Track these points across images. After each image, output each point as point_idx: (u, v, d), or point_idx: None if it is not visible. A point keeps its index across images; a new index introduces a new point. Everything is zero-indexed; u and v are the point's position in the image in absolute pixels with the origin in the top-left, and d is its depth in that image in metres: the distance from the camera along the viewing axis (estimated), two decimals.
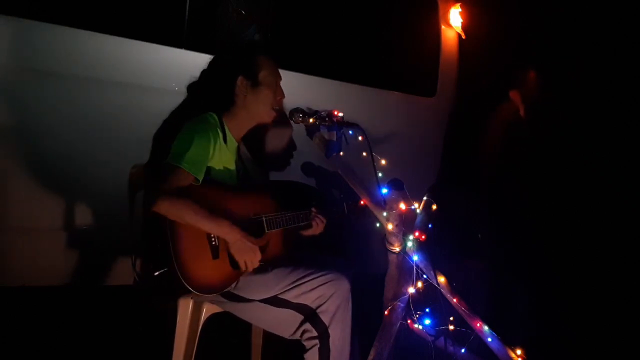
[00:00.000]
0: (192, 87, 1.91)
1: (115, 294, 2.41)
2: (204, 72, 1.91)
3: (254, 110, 1.87)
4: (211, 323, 1.83)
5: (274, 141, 2.09)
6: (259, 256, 1.75)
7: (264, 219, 1.83)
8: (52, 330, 2.34)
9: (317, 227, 1.97)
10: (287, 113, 1.96)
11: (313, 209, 1.98)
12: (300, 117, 1.93)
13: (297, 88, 2.75)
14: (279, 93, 1.89)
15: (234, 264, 1.73)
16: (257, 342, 2.17)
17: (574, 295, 3.13)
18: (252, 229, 1.79)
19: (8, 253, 2.27)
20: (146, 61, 2.47)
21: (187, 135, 1.73)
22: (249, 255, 1.73)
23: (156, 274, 1.65)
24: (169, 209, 1.62)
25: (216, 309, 1.82)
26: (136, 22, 2.45)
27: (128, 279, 1.94)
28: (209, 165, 1.76)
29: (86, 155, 2.37)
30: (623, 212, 3.82)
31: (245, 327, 2.10)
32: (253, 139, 2.00)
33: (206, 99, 1.86)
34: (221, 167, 1.82)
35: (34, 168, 2.29)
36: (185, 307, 1.78)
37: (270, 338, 1.87)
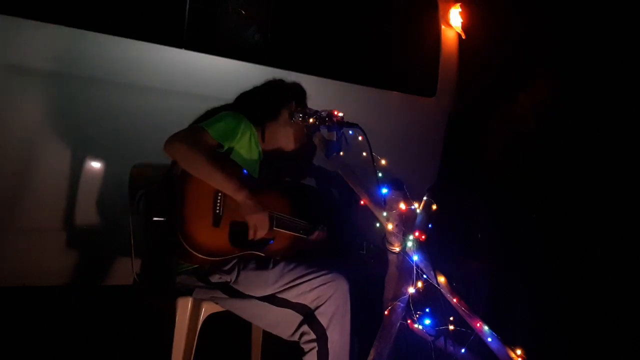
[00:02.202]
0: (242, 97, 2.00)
1: (115, 294, 2.41)
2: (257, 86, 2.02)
3: (286, 133, 1.95)
4: (210, 323, 1.83)
5: (292, 161, 2.12)
6: (267, 224, 1.76)
7: (275, 215, 1.84)
8: (52, 330, 2.34)
9: (317, 241, 2.00)
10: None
11: (323, 227, 2.01)
12: (300, 117, 1.93)
13: None
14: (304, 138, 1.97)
15: (232, 238, 1.73)
16: (256, 341, 2.17)
17: (574, 295, 3.13)
18: None
19: (8, 253, 2.27)
20: (146, 61, 2.48)
21: (218, 115, 1.81)
22: (259, 218, 1.74)
23: (155, 219, 1.67)
24: (184, 152, 1.64)
25: (215, 308, 1.82)
26: (136, 22, 2.45)
27: (128, 279, 1.94)
28: (233, 147, 1.81)
29: (86, 155, 2.37)
30: (624, 213, 3.82)
31: (245, 327, 2.10)
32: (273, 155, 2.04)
33: (252, 108, 1.93)
34: (244, 155, 1.86)
35: (34, 168, 2.29)
36: (184, 306, 1.78)
37: (270, 338, 1.87)
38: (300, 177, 2.26)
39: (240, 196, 1.71)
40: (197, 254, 1.66)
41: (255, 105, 1.95)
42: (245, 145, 1.86)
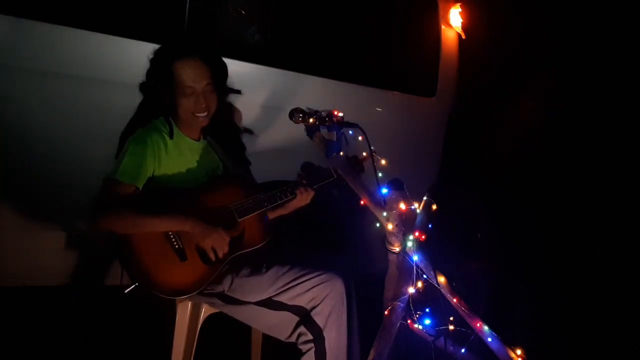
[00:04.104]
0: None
1: (115, 294, 2.40)
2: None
3: (181, 116, 1.83)
4: (210, 323, 1.83)
5: (227, 138, 2.03)
6: (226, 238, 1.70)
7: (232, 208, 1.79)
8: (52, 330, 2.34)
9: (303, 197, 1.91)
10: (288, 114, 1.96)
11: (300, 174, 1.94)
12: (300, 117, 1.92)
13: (297, 88, 2.75)
14: (195, 99, 1.78)
15: (205, 260, 1.70)
16: (256, 342, 2.17)
17: (574, 295, 3.13)
18: (222, 221, 1.75)
19: (8, 253, 2.27)
20: (146, 61, 2.47)
21: (125, 147, 1.74)
22: (213, 239, 1.68)
23: (126, 291, 1.63)
24: (109, 222, 1.63)
25: (215, 309, 1.82)
26: (136, 22, 2.44)
27: (128, 279, 1.94)
28: (155, 174, 1.74)
29: (86, 155, 2.36)
30: (624, 213, 3.82)
31: (245, 327, 2.10)
32: (220, 134, 1.94)
33: (148, 106, 1.85)
34: (177, 169, 1.80)
35: (34, 168, 2.29)
36: (184, 307, 1.78)
37: (270, 338, 1.87)
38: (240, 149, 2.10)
39: (187, 226, 1.67)
40: (183, 296, 1.65)
41: (152, 102, 1.83)
42: (166, 157, 1.77)
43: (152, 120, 1.83)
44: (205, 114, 1.81)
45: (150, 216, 1.65)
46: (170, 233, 1.68)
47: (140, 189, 1.70)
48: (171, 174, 1.79)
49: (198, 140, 1.90)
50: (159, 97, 1.80)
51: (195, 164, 1.86)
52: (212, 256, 1.69)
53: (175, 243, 1.68)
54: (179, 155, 1.82)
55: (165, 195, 1.74)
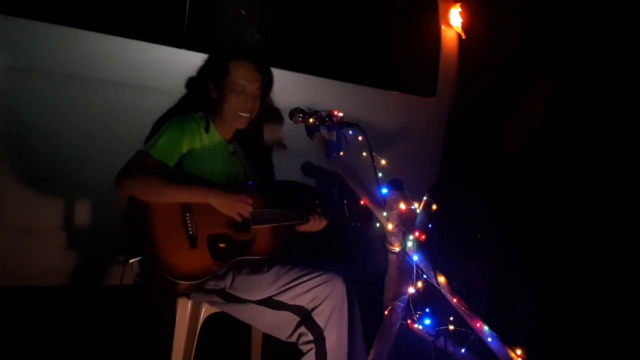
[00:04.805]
0: (186, 87, 1.97)
1: (115, 294, 2.40)
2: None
3: (223, 113, 1.89)
4: (211, 323, 1.83)
5: (262, 145, 2.08)
6: (249, 202, 1.75)
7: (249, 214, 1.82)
8: (52, 330, 2.33)
9: (315, 223, 1.96)
10: (288, 114, 1.96)
11: (316, 202, 1.98)
12: (300, 117, 1.92)
13: (297, 88, 2.75)
14: (244, 99, 1.86)
15: (214, 253, 1.71)
16: (257, 341, 2.17)
17: (574, 295, 3.13)
18: (237, 225, 1.78)
19: (8, 253, 2.27)
20: (146, 61, 2.47)
21: (164, 128, 1.78)
22: (237, 206, 1.74)
23: (131, 261, 1.63)
24: (133, 185, 1.64)
25: (215, 308, 1.82)
26: (136, 22, 2.45)
27: (128, 279, 1.94)
28: (191, 157, 1.79)
29: (86, 155, 2.37)
30: (624, 213, 3.82)
31: (245, 327, 2.10)
32: (249, 141, 2.00)
33: (190, 100, 1.92)
34: (201, 164, 1.83)
35: (34, 168, 2.29)
36: (184, 307, 1.78)
37: (270, 338, 1.87)
38: (268, 157, 2.20)
39: (211, 197, 1.70)
40: (182, 282, 1.64)
41: (191, 98, 1.92)
42: (199, 148, 1.82)
43: (192, 113, 1.88)
44: (248, 115, 1.89)
45: (175, 184, 1.67)
46: (187, 216, 1.69)
47: (169, 168, 1.74)
48: (197, 165, 1.82)
49: (228, 142, 1.95)
50: (206, 91, 1.88)
51: (220, 164, 1.90)
52: (239, 219, 1.73)
53: (190, 229, 1.68)
54: (209, 150, 1.87)
55: (190, 179, 1.78)
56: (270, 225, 1.87)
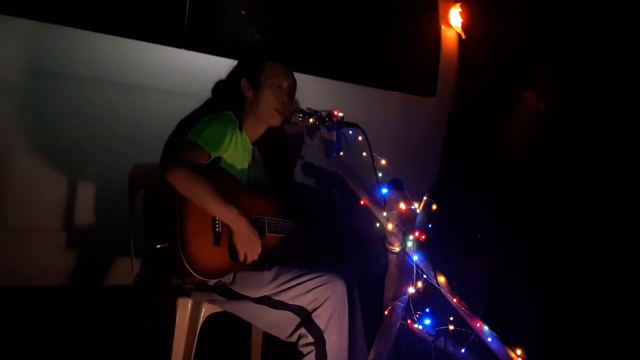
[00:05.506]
0: (213, 90, 1.98)
1: (115, 294, 2.41)
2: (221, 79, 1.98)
3: (257, 111, 1.90)
4: (211, 323, 1.83)
5: (284, 149, 2.10)
6: (259, 250, 1.74)
7: (266, 220, 1.84)
8: (52, 330, 2.34)
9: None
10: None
11: (322, 233, 2.03)
12: (300, 117, 1.93)
13: (297, 88, 2.75)
14: (280, 95, 1.89)
15: (232, 255, 1.72)
16: (257, 341, 2.17)
17: (574, 295, 3.13)
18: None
19: (8, 253, 2.27)
20: (146, 61, 2.48)
21: (205, 121, 1.79)
22: (250, 247, 1.72)
23: (158, 246, 1.63)
24: (183, 179, 1.62)
25: (215, 308, 1.82)
26: (136, 22, 2.45)
27: (128, 279, 1.94)
28: (222, 155, 1.79)
29: (86, 155, 2.37)
30: (624, 213, 3.82)
31: (245, 327, 2.10)
32: (267, 146, 2.01)
33: (220, 100, 1.92)
34: (234, 163, 1.84)
35: (34, 168, 2.29)
36: (184, 306, 1.78)
37: (270, 338, 1.87)
38: (289, 165, 2.23)
39: (236, 224, 1.69)
40: (198, 276, 1.65)
41: (221, 98, 1.93)
42: (233, 148, 1.83)
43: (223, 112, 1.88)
44: (283, 111, 1.90)
45: (214, 195, 1.65)
46: None
47: (212, 159, 1.74)
48: (229, 163, 1.83)
49: (252, 144, 1.96)
50: (239, 91, 1.89)
51: (245, 164, 1.91)
52: (241, 259, 1.72)
53: (217, 226, 1.70)
54: (241, 149, 1.88)
55: (222, 175, 1.78)
56: (280, 235, 1.89)
